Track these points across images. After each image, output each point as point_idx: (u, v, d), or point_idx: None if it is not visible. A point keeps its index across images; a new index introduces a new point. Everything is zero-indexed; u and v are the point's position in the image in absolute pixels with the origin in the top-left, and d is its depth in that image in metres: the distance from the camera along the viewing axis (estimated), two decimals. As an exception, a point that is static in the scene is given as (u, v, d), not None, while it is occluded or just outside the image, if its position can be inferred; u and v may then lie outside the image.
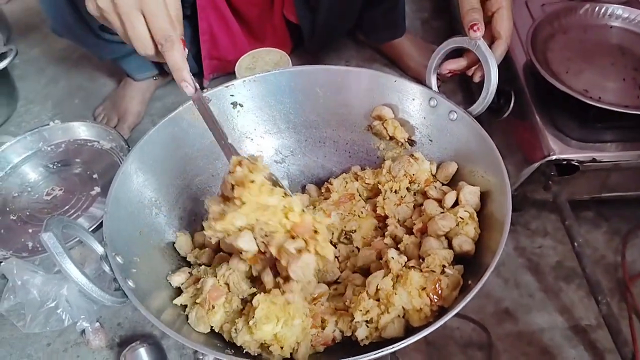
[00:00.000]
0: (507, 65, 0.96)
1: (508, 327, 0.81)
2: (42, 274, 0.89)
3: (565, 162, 0.83)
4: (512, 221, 0.87)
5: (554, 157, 0.82)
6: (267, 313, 0.54)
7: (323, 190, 0.76)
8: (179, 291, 0.62)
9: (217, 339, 0.58)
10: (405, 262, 0.60)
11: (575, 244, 0.78)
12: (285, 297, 0.55)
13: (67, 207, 1.03)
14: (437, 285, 0.56)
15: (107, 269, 0.53)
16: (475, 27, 0.65)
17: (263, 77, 0.72)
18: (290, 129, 0.77)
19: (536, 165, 0.84)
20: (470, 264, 0.60)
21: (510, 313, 0.83)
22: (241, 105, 0.73)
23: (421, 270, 0.58)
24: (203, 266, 0.64)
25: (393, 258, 0.59)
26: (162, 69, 1.19)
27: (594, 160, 0.82)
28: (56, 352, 0.86)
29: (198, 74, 1.20)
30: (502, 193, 0.59)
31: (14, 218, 1.02)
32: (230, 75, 1.19)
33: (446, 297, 0.55)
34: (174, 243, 0.68)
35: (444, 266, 0.58)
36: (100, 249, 0.53)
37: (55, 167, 1.10)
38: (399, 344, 0.50)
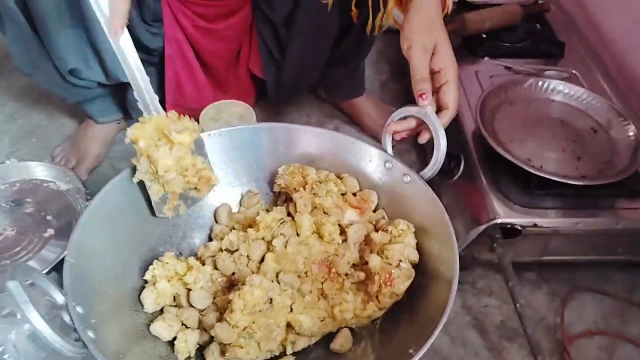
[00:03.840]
0: (457, 131, 1.02)
1: (454, 384, 0.84)
2: (-15, 318, 0.86)
3: (509, 226, 0.88)
4: (460, 280, 0.91)
5: (499, 221, 0.87)
6: None
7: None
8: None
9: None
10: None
11: (518, 305, 0.82)
12: None
13: (18, 248, 1.00)
14: (390, 275, 0.63)
15: (67, 318, 0.53)
16: (423, 97, 0.71)
17: (228, 132, 0.75)
18: (252, 182, 0.79)
19: (482, 227, 0.88)
20: (417, 320, 0.63)
21: (456, 370, 0.86)
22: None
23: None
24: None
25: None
26: (126, 113, 1.20)
27: (535, 225, 0.88)
28: (-7, 402, 0.82)
29: (161, 120, 1.22)
30: (450, 255, 0.62)
31: (-40, 258, 0.99)
32: (192, 115, 1.21)
33: (397, 286, 0.65)
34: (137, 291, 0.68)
35: (400, 260, 0.65)
36: (60, 298, 0.53)
37: (8, 206, 1.08)
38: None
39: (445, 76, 0.72)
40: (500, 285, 0.97)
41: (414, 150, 1.22)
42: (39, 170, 1.12)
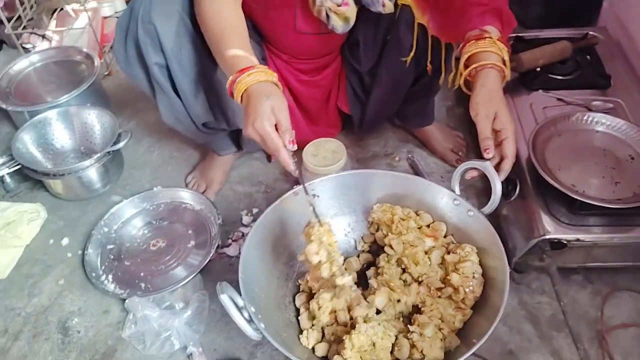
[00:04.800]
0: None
1: (511, 364, 1.08)
2: (157, 309, 1.18)
3: (556, 240, 1.09)
4: (517, 281, 1.17)
5: (547, 236, 1.08)
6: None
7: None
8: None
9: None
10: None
11: (562, 303, 1.05)
12: None
13: (169, 256, 1.32)
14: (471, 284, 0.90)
15: (246, 315, 0.81)
16: (487, 151, 0.94)
17: (335, 177, 1.02)
18: (352, 213, 1.06)
19: (534, 241, 1.10)
20: (478, 317, 0.89)
21: (513, 353, 1.09)
22: (318, 196, 1.03)
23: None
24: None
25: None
26: (239, 146, 1.50)
27: (578, 239, 1.08)
28: (168, 370, 1.14)
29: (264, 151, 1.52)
30: (503, 272, 0.86)
31: (128, 264, 1.32)
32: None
33: (477, 291, 0.93)
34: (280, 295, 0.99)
35: (473, 273, 0.91)
36: (240, 302, 0.82)
37: (157, 223, 1.41)
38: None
39: (504, 134, 0.94)
40: (551, 286, 1.18)
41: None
42: (178, 195, 1.45)
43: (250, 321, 0.82)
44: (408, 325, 0.93)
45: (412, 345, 0.89)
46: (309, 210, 0.94)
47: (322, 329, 0.96)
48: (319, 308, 0.93)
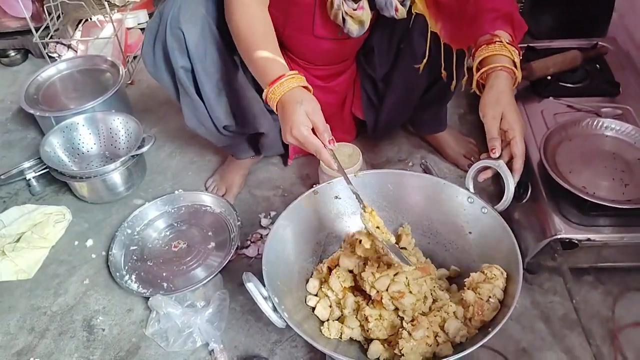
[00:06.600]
0: (525, 163, 1.25)
1: (525, 361, 1.11)
2: (180, 307, 1.22)
3: (567, 240, 1.12)
4: (529, 281, 1.20)
5: (559, 236, 1.12)
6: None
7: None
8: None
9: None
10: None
11: (574, 301, 1.08)
12: None
13: (189, 257, 1.36)
14: (482, 307, 0.90)
15: (270, 305, 0.85)
16: (494, 150, 0.98)
17: (353, 179, 1.05)
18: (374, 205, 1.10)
19: (546, 241, 1.13)
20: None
21: (526, 351, 1.12)
22: (339, 198, 1.07)
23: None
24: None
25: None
26: (257, 151, 1.55)
27: (589, 239, 1.12)
28: (191, 366, 1.18)
29: (284, 155, 1.57)
30: (516, 268, 0.90)
31: (151, 264, 1.36)
32: (308, 155, 1.54)
33: (487, 315, 0.91)
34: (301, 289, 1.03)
35: (489, 297, 0.91)
36: (264, 293, 0.85)
37: (179, 225, 1.45)
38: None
39: (511, 134, 0.98)
40: (563, 286, 1.21)
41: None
42: (199, 198, 1.50)
43: (274, 310, 0.85)
44: (403, 321, 0.95)
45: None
46: (329, 209, 0.99)
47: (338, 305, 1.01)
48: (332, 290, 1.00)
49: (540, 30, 1.80)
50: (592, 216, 1.14)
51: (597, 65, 1.49)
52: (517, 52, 1.01)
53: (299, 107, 0.92)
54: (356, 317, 0.98)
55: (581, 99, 1.41)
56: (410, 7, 1.20)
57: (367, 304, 0.98)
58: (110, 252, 1.37)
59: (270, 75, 0.97)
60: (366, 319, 0.95)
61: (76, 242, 1.44)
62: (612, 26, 1.73)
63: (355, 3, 1.16)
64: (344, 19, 1.16)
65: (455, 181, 1.48)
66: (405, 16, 1.19)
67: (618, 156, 1.22)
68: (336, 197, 1.09)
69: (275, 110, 0.98)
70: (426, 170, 1.51)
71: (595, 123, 1.27)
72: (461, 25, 1.14)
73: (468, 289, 0.95)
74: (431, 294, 0.99)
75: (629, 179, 1.17)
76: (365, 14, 1.18)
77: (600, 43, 1.56)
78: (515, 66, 1.01)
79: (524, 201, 1.24)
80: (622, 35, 1.64)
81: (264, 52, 1.01)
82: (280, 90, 0.95)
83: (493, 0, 1.07)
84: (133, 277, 1.33)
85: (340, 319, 1.00)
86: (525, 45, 1.57)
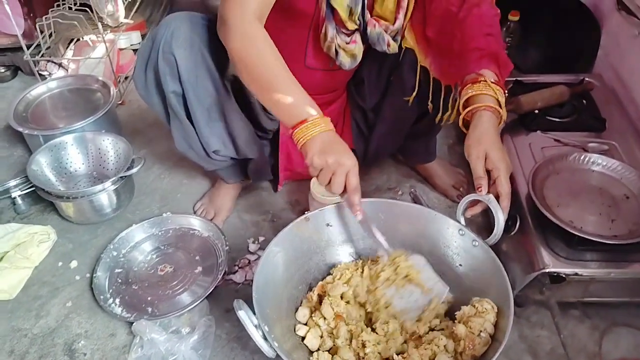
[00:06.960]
0: (514, 196, 1.27)
1: (512, 395, 1.10)
2: (164, 333, 1.20)
3: (555, 274, 1.13)
4: (517, 314, 1.19)
5: (547, 270, 1.12)
6: None
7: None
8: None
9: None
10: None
11: (562, 335, 1.08)
12: None
13: (175, 282, 1.34)
14: (473, 342, 0.90)
15: (260, 333, 0.84)
16: (480, 189, 1.00)
17: (345, 207, 1.06)
18: (359, 240, 1.10)
19: (534, 274, 1.14)
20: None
21: (514, 385, 1.12)
22: (331, 225, 1.07)
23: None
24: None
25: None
26: (246, 175, 1.54)
27: (576, 274, 1.13)
28: (174, 394, 1.15)
29: (273, 180, 1.57)
30: (506, 302, 0.90)
31: (136, 288, 1.33)
32: (298, 181, 1.55)
33: (478, 350, 0.91)
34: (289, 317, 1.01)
35: (480, 331, 0.90)
36: (255, 321, 0.84)
37: (165, 248, 1.43)
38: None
39: (495, 173, 1.00)
40: (550, 320, 1.21)
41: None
42: (187, 221, 1.48)
43: (264, 339, 0.84)
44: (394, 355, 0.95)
45: None
46: (320, 237, 0.99)
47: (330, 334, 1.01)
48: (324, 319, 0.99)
49: (528, 65, 1.84)
50: (579, 250, 1.15)
51: (584, 101, 1.52)
52: (501, 91, 1.03)
53: (348, 154, 0.96)
54: (349, 347, 0.97)
55: (568, 133, 1.44)
56: (400, 41, 1.22)
57: (364, 330, 0.98)
58: (94, 274, 1.35)
59: (300, 116, 0.98)
60: (363, 345, 0.94)
61: (60, 263, 1.42)
62: (598, 63, 1.78)
63: (348, 37, 1.18)
64: (336, 52, 1.18)
65: (445, 211, 1.48)
66: (397, 51, 1.21)
67: (605, 191, 1.24)
68: (328, 225, 1.09)
69: (300, 144, 0.98)
70: (415, 200, 1.51)
71: (582, 158, 1.30)
72: (449, 62, 1.17)
73: (459, 322, 0.94)
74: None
75: (615, 214, 1.18)
76: (358, 48, 1.19)
77: (586, 79, 1.59)
78: (500, 105, 1.02)
79: (512, 234, 1.25)
80: (607, 72, 1.69)
81: (290, 93, 0.99)
82: (313, 131, 0.96)
83: (479, 39, 1.09)
84: (117, 300, 1.31)
85: (332, 350, 0.99)
86: (514, 79, 1.61)
